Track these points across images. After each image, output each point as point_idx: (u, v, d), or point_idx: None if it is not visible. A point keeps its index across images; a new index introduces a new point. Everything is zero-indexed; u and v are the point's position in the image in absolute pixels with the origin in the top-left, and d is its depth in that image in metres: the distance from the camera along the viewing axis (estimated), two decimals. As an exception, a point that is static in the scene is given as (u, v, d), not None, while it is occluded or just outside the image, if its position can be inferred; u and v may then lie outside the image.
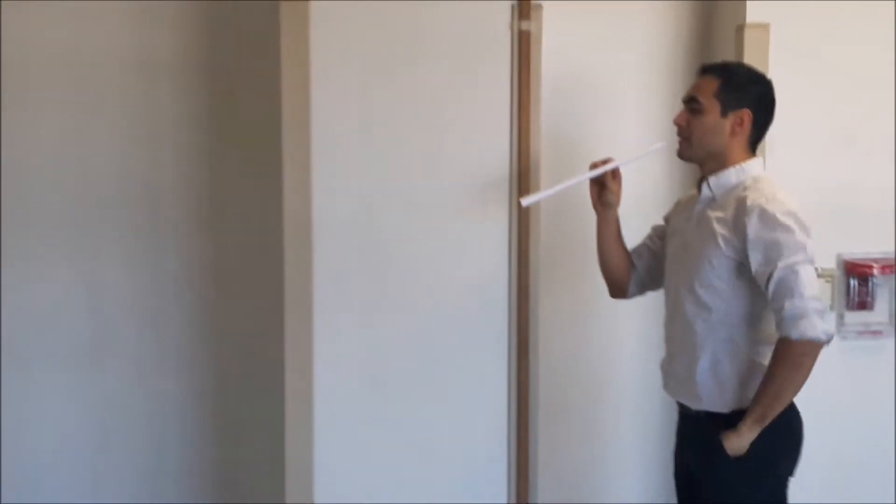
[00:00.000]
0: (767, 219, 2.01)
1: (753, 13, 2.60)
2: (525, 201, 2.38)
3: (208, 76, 3.00)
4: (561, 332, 2.82)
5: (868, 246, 2.71)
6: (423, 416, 2.70)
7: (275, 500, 2.77)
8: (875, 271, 2.68)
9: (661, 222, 2.43)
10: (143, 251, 3.02)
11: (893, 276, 2.71)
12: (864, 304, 2.70)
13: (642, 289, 2.43)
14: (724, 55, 2.63)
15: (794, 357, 1.98)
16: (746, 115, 2.12)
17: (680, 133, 2.20)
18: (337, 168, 2.57)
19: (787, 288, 1.97)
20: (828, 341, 2.00)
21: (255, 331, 3.03)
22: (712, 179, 2.15)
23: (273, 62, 2.55)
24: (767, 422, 2.04)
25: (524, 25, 2.60)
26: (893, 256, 2.70)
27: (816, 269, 2.03)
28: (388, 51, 2.57)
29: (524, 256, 2.67)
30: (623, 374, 2.87)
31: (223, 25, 2.97)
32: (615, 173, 2.32)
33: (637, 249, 2.43)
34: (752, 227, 2.02)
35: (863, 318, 2.72)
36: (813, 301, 1.97)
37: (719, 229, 2.08)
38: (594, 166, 2.32)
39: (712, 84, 2.14)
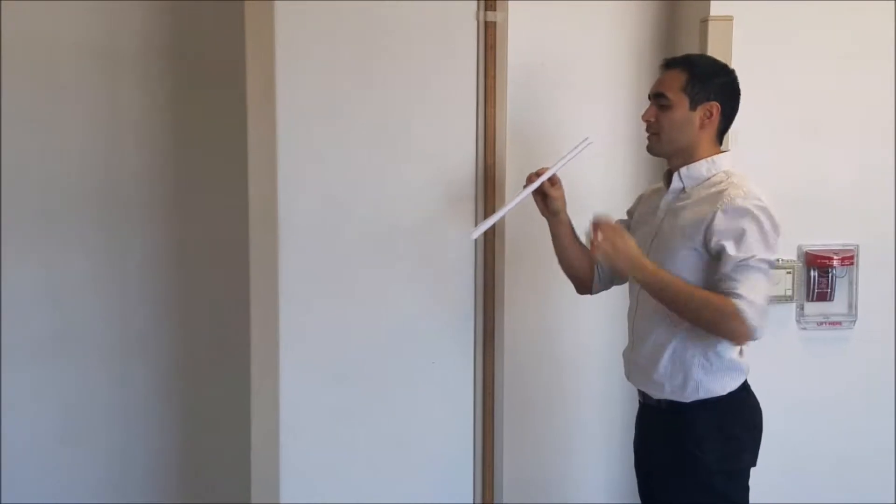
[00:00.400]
0: (743, 212, 2.03)
1: (717, 6, 2.61)
2: (473, 234, 2.39)
3: (172, 65, 2.95)
4: (525, 327, 2.82)
5: (828, 238, 2.75)
6: (390, 414, 2.69)
7: (242, 496, 2.75)
8: (835, 263, 2.72)
9: (625, 217, 2.44)
10: (107, 241, 2.97)
11: (853, 267, 2.75)
12: (823, 295, 2.74)
13: (608, 284, 2.44)
14: (689, 48, 2.64)
15: (727, 322, 1.97)
16: (715, 107, 2.13)
17: (649, 129, 2.20)
18: (303, 160, 2.55)
19: (757, 279, 1.99)
20: (753, 339, 2.01)
21: (221, 323, 3.00)
22: (683, 171, 2.16)
23: (239, 51, 2.52)
24: (644, 280, 2.05)
25: (490, 16, 2.60)
26: (853, 248, 2.74)
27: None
28: (354, 43, 2.54)
29: (490, 251, 2.68)
30: (587, 370, 2.88)
31: (187, 14, 2.92)
32: (553, 180, 2.32)
33: None
34: (726, 219, 2.03)
35: (822, 308, 2.76)
36: (765, 302, 2.00)
37: (690, 221, 2.09)
38: (530, 179, 2.32)
39: (679, 78, 2.14)
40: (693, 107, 2.13)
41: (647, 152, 2.26)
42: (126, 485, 3.07)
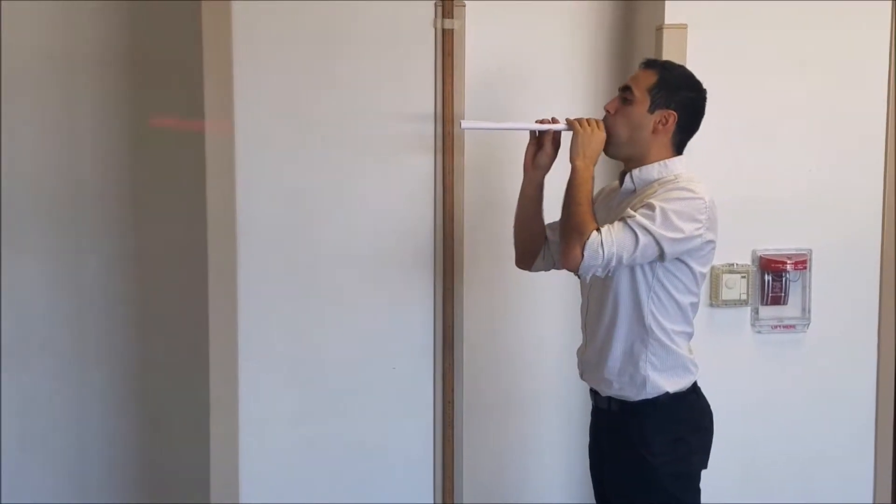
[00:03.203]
0: (666, 190, 2.07)
1: (672, 14, 2.64)
2: (465, 124, 2.30)
3: (129, 68, 2.96)
4: (484, 330, 2.84)
5: (782, 242, 2.77)
6: (350, 418, 2.71)
7: (201, 498, 2.75)
8: (788, 267, 2.74)
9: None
10: (63, 247, 2.98)
11: (806, 271, 2.78)
12: (777, 299, 2.76)
13: (549, 265, 2.39)
14: (645, 54, 2.64)
15: (573, 238, 2.03)
16: (672, 116, 2.14)
17: (606, 119, 2.19)
18: (261, 163, 2.57)
19: (625, 235, 2.00)
20: (576, 271, 2.05)
21: (179, 327, 3.01)
22: (635, 172, 2.18)
23: (197, 54, 2.54)
24: (582, 169, 2.11)
25: (447, 24, 2.63)
26: (806, 253, 2.78)
27: (661, 252, 2.03)
28: (312, 48, 2.57)
29: (449, 255, 2.70)
30: (546, 373, 2.90)
31: (144, 16, 2.93)
32: (555, 138, 2.26)
33: (553, 225, 2.35)
34: (655, 194, 2.07)
35: (776, 312, 2.78)
36: (615, 257, 2.00)
37: None
38: (543, 122, 2.26)
39: (650, 79, 2.15)
40: (651, 110, 2.14)
41: (603, 156, 2.26)
42: (85, 488, 3.06)
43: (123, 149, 2.98)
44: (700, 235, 2.07)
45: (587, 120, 2.17)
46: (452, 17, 2.62)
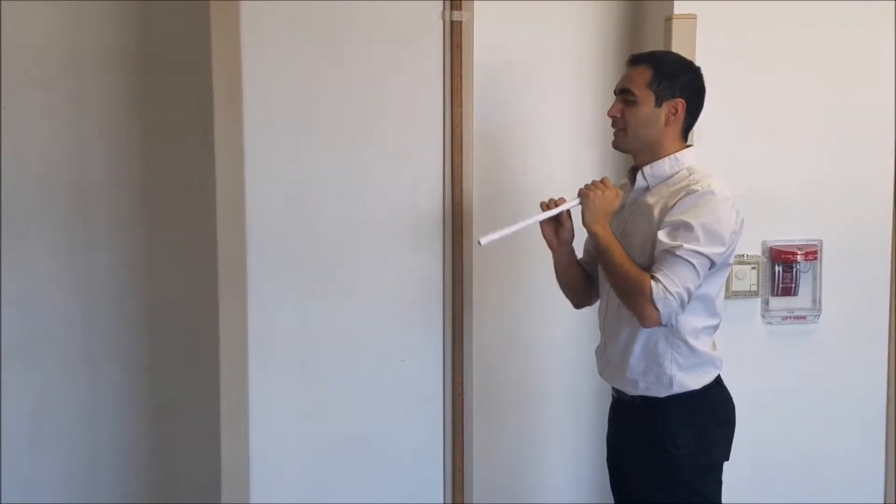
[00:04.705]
0: (690, 203, 2.05)
1: (681, 5, 2.63)
2: (483, 240, 2.22)
3: (138, 66, 2.94)
4: (494, 324, 2.84)
5: (792, 233, 2.77)
6: (360, 414, 2.70)
7: (212, 496, 2.74)
8: (799, 258, 2.74)
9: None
10: (73, 245, 2.96)
11: (816, 262, 2.78)
12: (788, 289, 2.76)
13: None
14: (653, 46, 2.66)
15: (637, 298, 2.02)
16: (680, 104, 2.14)
17: (615, 124, 2.20)
18: (270, 160, 2.55)
19: (680, 269, 2.01)
20: (660, 324, 2.05)
21: (189, 324, 2.99)
22: (647, 169, 2.17)
23: (205, 51, 2.52)
24: (601, 235, 2.11)
25: (456, 16, 2.61)
26: (816, 243, 2.78)
27: (712, 265, 2.05)
28: (321, 43, 2.56)
29: (458, 249, 2.69)
30: (556, 367, 2.90)
31: (152, 14, 2.91)
32: (569, 211, 2.26)
33: (585, 259, 2.40)
34: (676, 209, 2.06)
35: (787, 303, 2.79)
36: (685, 292, 2.01)
37: (656, 216, 2.10)
38: (546, 207, 2.23)
39: (644, 74, 2.14)
40: (658, 103, 2.13)
41: (612, 149, 2.26)
42: (94, 487, 3.05)
43: (132, 146, 2.96)
44: (736, 231, 2.09)
45: (594, 182, 2.17)
46: (461, 9, 2.61)
